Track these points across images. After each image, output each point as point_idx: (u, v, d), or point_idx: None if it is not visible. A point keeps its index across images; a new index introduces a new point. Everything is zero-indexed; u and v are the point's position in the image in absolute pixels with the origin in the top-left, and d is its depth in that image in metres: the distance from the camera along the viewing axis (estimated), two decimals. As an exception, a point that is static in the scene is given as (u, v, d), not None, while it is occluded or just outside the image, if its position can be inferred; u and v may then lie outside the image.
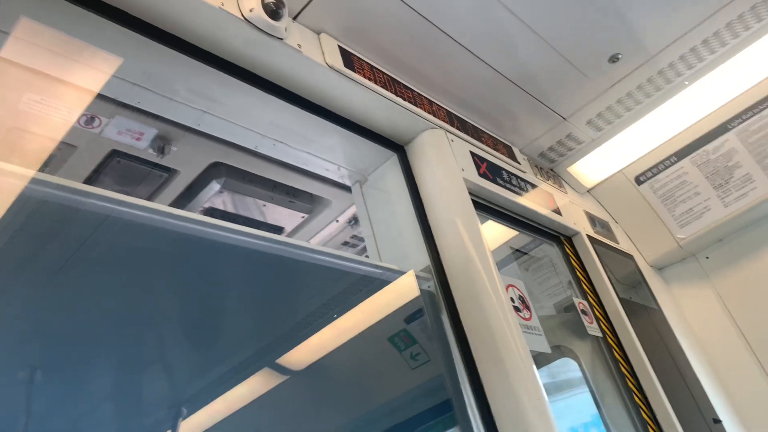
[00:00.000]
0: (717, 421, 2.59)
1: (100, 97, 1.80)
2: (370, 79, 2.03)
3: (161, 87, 1.78)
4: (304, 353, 2.13)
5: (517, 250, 2.88)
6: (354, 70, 1.98)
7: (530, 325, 2.01)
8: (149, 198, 2.37)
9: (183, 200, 2.43)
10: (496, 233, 2.66)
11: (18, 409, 1.35)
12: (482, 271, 1.91)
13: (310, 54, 1.85)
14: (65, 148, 2.07)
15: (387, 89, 2.09)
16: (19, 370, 1.39)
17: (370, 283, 2.05)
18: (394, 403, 2.25)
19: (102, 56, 1.64)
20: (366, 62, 2.08)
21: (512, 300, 2.00)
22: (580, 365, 2.59)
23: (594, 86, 2.66)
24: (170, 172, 2.32)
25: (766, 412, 2.86)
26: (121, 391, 1.73)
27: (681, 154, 3.07)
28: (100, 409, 1.72)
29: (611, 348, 2.49)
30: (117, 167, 2.19)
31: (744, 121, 2.92)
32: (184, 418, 1.89)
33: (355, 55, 2.05)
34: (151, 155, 2.19)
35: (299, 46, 1.82)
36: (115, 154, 2.15)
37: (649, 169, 3.15)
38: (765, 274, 3.05)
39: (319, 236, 2.99)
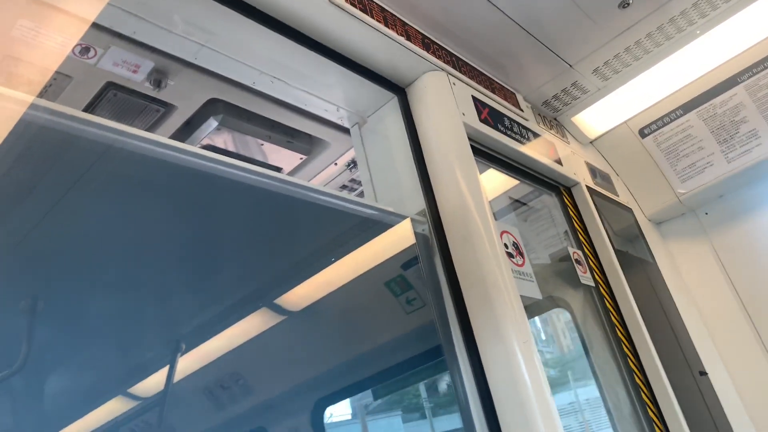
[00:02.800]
0: (703, 373, 2.64)
1: (95, 26, 1.76)
2: (371, 16, 1.98)
3: (157, 17, 1.74)
4: (301, 294, 2.16)
5: (517, 201, 2.87)
6: (355, 6, 1.93)
7: (523, 271, 2.02)
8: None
9: (180, 135, 2.42)
10: (495, 182, 2.65)
11: (19, 339, 1.38)
12: (477, 215, 1.91)
13: (310, -13, 1.80)
14: (61, 78, 2.04)
15: (389, 28, 2.04)
16: (21, 299, 1.41)
17: (368, 227, 2.05)
18: (388, 346, 2.29)
19: (95, -19, 1.60)
20: (368, -1, 2.03)
21: (506, 246, 2.01)
22: (571, 314, 2.63)
23: (602, 33, 2.59)
24: (167, 106, 2.29)
25: (753, 366, 2.91)
26: (119, 323, 1.76)
27: (687, 107, 3.02)
28: (100, 340, 1.75)
29: (603, 298, 2.51)
30: (113, 100, 2.16)
31: (754, 74, 2.86)
32: (182, 354, 1.93)
33: (356, -9, 1.99)
34: (148, 89, 2.16)
35: (299, -22, 1.76)
36: (111, 86, 2.12)
37: (654, 122, 3.10)
38: (763, 231, 3.04)
39: (317, 178, 2.99)
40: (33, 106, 1.26)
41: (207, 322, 2.03)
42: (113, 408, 1.90)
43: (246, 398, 2.19)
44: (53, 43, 1.83)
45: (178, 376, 1.89)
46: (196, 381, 2.11)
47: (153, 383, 1.88)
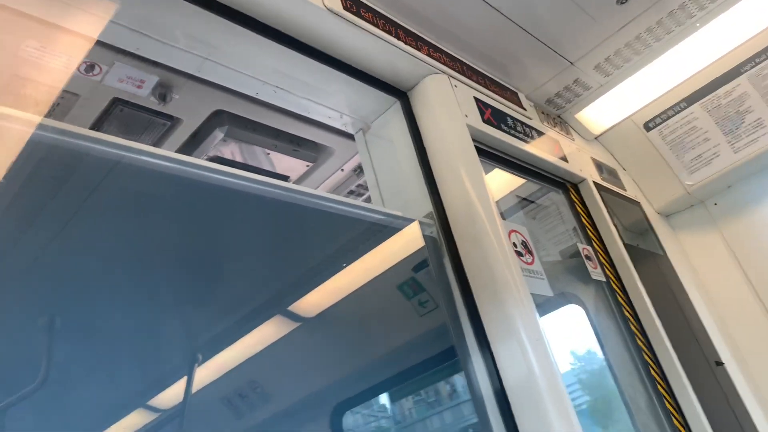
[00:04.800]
0: (719, 363, 2.63)
1: (99, 43, 1.79)
2: (370, 23, 2.00)
3: (160, 33, 1.77)
4: (315, 301, 2.17)
5: (524, 199, 2.87)
6: (353, 13, 1.94)
7: (533, 269, 2.02)
8: (153, 146, 2.37)
9: (188, 148, 2.44)
10: (502, 181, 2.65)
11: (39, 355, 1.39)
12: (484, 216, 1.91)
13: (308, -4, 1.81)
14: (68, 97, 2.07)
15: (388, 33, 2.06)
16: (39, 317, 1.43)
17: (377, 231, 2.06)
18: (403, 348, 2.29)
19: (98, 1, 1.62)
20: (366, 5, 2.04)
21: (515, 245, 2.01)
22: (585, 310, 2.62)
23: (602, 29, 2.59)
24: (173, 120, 2.32)
25: (769, 354, 2.89)
26: (136, 338, 1.77)
27: (691, 99, 3.01)
28: (118, 355, 1.76)
29: (615, 292, 2.51)
30: (120, 115, 2.19)
31: (757, 64, 2.85)
32: (200, 364, 1.94)
33: (355, -2, 2.01)
34: (153, 103, 2.19)
35: (298, -12, 1.78)
36: (117, 102, 2.15)
37: (658, 115, 3.09)
38: (773, 219, 3.03)
39: (324, 185, 3.00)
40: (41, 126, 1.28)
41: (222, 332, 2.04)
42: (133, 422, 1.91)
43: (264, 406, 2.20)
44: (59, 62, 1.86)
45: (196, 387, 1.90)
46: (214, 391, 2.12)
47: (172, 395, 1.90)
